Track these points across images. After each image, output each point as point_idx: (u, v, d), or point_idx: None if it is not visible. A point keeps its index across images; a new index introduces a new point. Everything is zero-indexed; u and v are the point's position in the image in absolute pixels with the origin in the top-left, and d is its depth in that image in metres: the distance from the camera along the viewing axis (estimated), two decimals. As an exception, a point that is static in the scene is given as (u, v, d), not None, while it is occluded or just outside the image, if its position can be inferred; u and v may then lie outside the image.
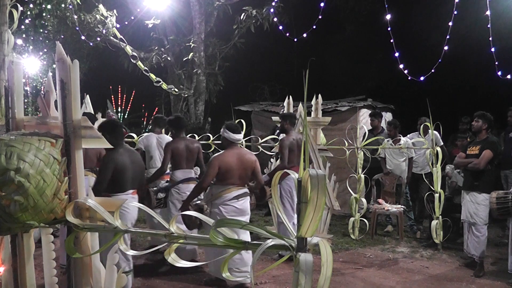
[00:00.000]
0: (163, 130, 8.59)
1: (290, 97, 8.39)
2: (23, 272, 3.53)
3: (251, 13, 13.87)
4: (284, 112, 8.51)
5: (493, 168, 7.24)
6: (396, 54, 9.78)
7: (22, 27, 15.56)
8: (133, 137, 10.07)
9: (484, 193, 7.01)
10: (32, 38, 16.77)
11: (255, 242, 2.49)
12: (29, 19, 14.81)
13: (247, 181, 6.41)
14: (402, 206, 9.08)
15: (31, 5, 13.83)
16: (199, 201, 6.32)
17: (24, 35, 16.26)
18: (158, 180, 7.36)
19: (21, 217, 2.84)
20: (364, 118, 11.29)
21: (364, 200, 8.91)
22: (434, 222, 8.00)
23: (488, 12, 8.53)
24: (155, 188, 7.13)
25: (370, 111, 11.51)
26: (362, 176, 8.86)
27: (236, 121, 9.28)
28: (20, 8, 7.21)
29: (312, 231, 2.24)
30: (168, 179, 7.39)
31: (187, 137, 7.57)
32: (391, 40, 9.71)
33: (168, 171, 7.45)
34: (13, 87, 3.54)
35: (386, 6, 9.42)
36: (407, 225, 9.52)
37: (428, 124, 8.21)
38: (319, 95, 8.18)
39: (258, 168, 6.41)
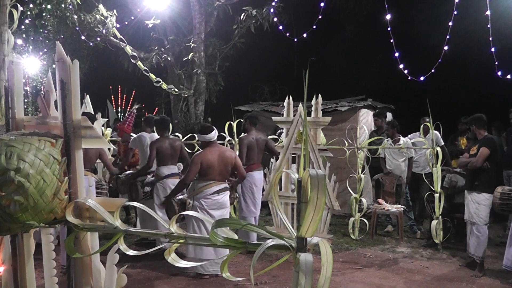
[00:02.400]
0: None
1: (290, 97, 8.40)
2: (23, 272, 3.53)
3: (251, 13, 13.86)
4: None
5: (493, 167, 7.23)
6: (396, 54, 9.77)
7: (22, 27, 15.55)
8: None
9: (484, 193, 7.05)
10: (32, 38, 16.75)
11: (255, 242, 2.50)
12: (29, 19, 14.78)
13: (227, 177, 6.97)
14: (402, 206, 9.08)
15: (31, 5, 13.80)
16: (181, 196, 6.91)
17: (24, 35, 16.24)
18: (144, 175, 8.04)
19: (21, 217, 2.84)
20: (364, 118, 11.29)
21: (364, 200, 8.92)
22: (434, 222, 8.01)
23: (488, 12, 8.52)
24: (142, 181, 7.91)
25: (370, 111, 11.51)
26: (362, 176, 8.88)
27: (236, 121, 9.32)
28: (20, 8, 7.20)
29: (312, 231, 2.24)
30: (147, 176, 8.05)
31: (170, 136, 8.26)
32: (391, 40, 9.71)
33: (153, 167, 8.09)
34: (13, 87, 3.54)
35: (386, 6, 9.42)
36: (407, 225, 9.52)
37: (428, 124, 8.22)
38: (319, 95, 8.19)
39: (239, 163, 7.01)
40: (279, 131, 10.38)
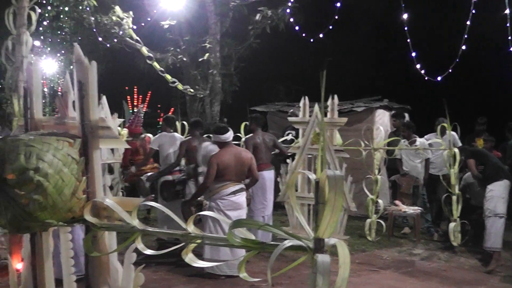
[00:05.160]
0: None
1: (306, 97, 8.38)
2: (41, 270, 3.56)
3: (267, 14, 13.85)
4: (252, 115, 9.05)
5: (488, 163, 7.70)
6: (413, 54, 9.71)
7: (40, 29, 15.68)
8: (149, 138, 10.14)
9: (488, 185, 7.50)
10: (49, 40, 16.89)
11: (272, 243, 2.49)
12: (47, 21, 14.92)
13: (244, 178, 6.96)
14: (419, 208, 9.01)
15: (49, 7, 13.92)
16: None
17: (41, 37, 16.39)
18: (176, 173, 8.34)
19: (40, 216, 2.86)
20: (380, 118, 11.23)
21: (380, 201, 8.86)
22: (451, 225, 7.95)
23: (507, 11, 8.47)
24: (173, 181, 8.19)
25: (386, 112, 11.45)
26: (379, 177, 8.82)
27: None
28: (38, 11, 7.29)
29: (330, 232, 2.23)
30: (179, 174, 8.34)
31: (200, 137, 8.39)
32: (408, 40, 9.65)
33: (182, 167, 8.52)
34: (32, 88, 3.57)
35: (403, 5, 9.37)
36: (424, 227, 9.43)
37: (445, 124, 8.17)
38: (335, 96, 8.16)
39: (254, 165, 6.99)
40: (287, 132, 10.36)
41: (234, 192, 6.75)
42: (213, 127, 7.10)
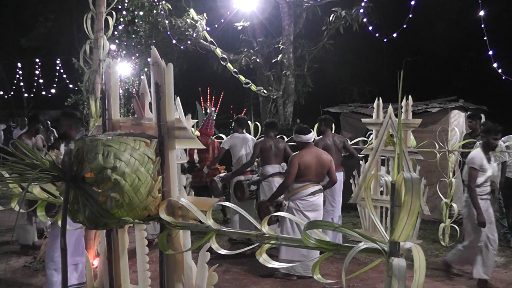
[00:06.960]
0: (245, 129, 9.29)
1: (380, 98, 8.27)
2: (117, 265, 3.67)
3: (340, 14, 13.75)
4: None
5: None
6: (490, 52, 9.40)
7: (115, 33, 16.12)
8: (222, 138, 10.26)
9: None
10: (125, 43, 17.35)
11: (347, 245, 2.46)
12: (122, 26, 15.33)
13: (322, 179, 6.94)
14: (495, 213, 8.70)
15: (124, 12, 14.30)
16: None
17: (117, 41, 16.87)
18: (248, 174, 8.48)
19: (117, 213, 2.93)
20: (455, 120, 10.91)
21: (455, 205, 8.62)
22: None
23: None
24: (247, 181, 8.21)
25: (462, 113, 11.12)
26: (453, 180, 8.58)
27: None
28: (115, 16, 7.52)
29: (406, 236, 2.19)
30: (252, 175, 8.46)
31: (275, 137, 8.43)
32: (485, 38, 9.34)
33: (254, 168, 8.67)
34: (110, 90, 3.67)
35: (480, 1, 9.08)
36: (501, 233, 9.07)
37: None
38: (409, 96, 8.01)
39: (333, 167, 6.95)
40: (369, 133, 10.23)
41: (314, 193, 6.76)
42: (296, 127, 7.11)
